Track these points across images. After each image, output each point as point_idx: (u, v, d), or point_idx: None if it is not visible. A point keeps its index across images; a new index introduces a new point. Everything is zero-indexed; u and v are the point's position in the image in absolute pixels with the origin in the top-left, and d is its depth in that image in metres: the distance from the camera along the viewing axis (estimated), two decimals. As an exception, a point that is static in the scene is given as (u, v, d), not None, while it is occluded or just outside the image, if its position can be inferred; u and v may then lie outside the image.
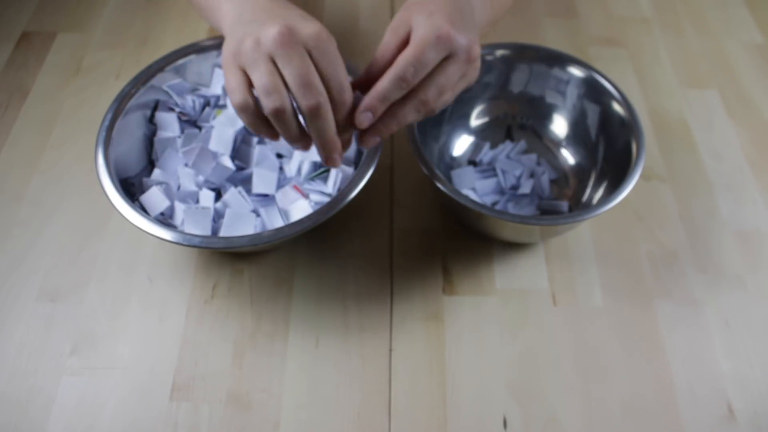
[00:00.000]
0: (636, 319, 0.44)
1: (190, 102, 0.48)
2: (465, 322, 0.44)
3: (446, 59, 0.33)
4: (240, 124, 0.47)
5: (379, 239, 0.48)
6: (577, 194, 0.49)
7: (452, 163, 0.52)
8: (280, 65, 0.31)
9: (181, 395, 0.40)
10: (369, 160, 0.42)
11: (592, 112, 0.48)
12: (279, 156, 0.48)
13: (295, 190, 0.45)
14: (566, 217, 0.41)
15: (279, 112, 0.32)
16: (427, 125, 0.47)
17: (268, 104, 0.32)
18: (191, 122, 0.49)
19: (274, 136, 0.35)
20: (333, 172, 0.44)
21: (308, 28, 0.32)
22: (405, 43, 0.34)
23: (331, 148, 0.34)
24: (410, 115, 0.34)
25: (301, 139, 0.35)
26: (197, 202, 0.45)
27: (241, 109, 0.33)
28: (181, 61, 0.47)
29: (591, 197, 0.47)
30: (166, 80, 0.47)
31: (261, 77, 0.31)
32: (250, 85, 0.33)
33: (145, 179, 0.45)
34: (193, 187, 0.45)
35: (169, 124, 0.47)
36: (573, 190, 0.49)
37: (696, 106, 0.58)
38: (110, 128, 0.43)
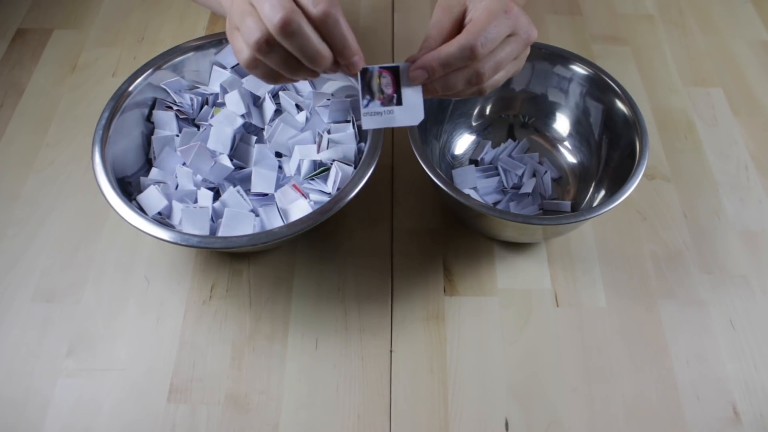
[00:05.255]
0: (640, 320, 0.44)
1: (188, 100, 0.48)
2: (466, 323, 0.43)
3: (508, 37, 0.33)
4: (239, 122, 0.47)
5: (380, 239, 0.47)
6: (579, 193, 0.48)
7: (453, 162, 0.51)
8: (257, 6, 0.31)
9: (178, 397, 0.40)
10: (369, 159, 0.41)
11: (595, 111, 0.48)
12: (278, 155, 0.47)
13: (294, 189, 0.44)
14: (569, 217, 0.40)
15: (286, 24, 0.30)
16: (429, 123, 0.47)
17: (274, 19, 0.30)
18: (189, 121, 0.48)
19: (298, 71, 0.33)
20: (333, 171, 0.44)
21: None
22: (459, 22, 0.34)
23: (353, 49, 0.32)
24: (460, 84, 0.34)
25: (322, 55, 0.31)
26: (195, 201, 0.44)
27: (253, 60, 0.32)
28: (178, 59, 0.47)
29: (594, 196, 0.47)
30: (164, 78, 0.47)
31: (262, 5, 0.30)
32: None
33: (142, 178, 0.44)
34: (191, 187, 0.44)
35: (166, 123, 0.47)
36: (575, 189, 0.49)
37: (700, 105, 0.57)
38: (107, 126, 0.42)
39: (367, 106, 0.34)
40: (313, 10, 0.30)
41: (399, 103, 0.34)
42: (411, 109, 0.34)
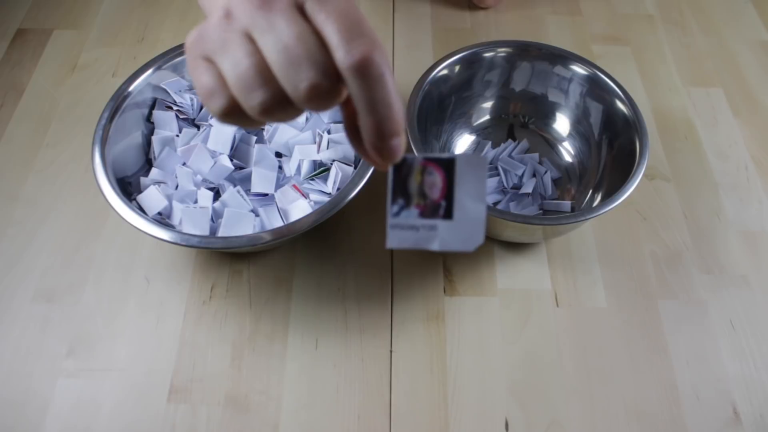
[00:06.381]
0: (640, 321, 0.44)
1: (188, 100, 0.48)
2: (466, 323, 0.43)
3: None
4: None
5: (380, 239, 0.47)
6: (579, 193, 0.48)
7: (453, 162, 0.51)
8: (257, 37, 0.21)
9: (178, 397, 0.40)
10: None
11: (595, 111, 0.48)
12: (278, 155, 0.47)
13: (294, 189, 0.44)
14: (569, 217, 0.40)
15: (268, 107, 0.21)
16: (429, 123, 0.47)
17: (252, 101, 0.21)
18: (189, 121, 0.48)
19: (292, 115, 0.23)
20: (333, 171, 0.44)
21: None
22: None
23: (396, 124, 0.21)
24: None
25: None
26: (195, 201, 0.44)
27: (227, 114, 0.22)
28: (178, 59, 0.47)
29: (594, 197, 0.47)
30: (164, 78, 0.47)
31: (235, 64, 0.21)
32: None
33: (142, 178, 0.44)
34: (191, 187, 0.44)
35: (166, 123, 0.47)
36: (575, 189, 0.49)
37: (701, 105, 0.57)
38: (107, 127, 0.42)
39: (397, 214, 0.23)
40: (346, 58, 0.20)
41: (448, 215, 0.23)
42: (465, 227, 0.23)
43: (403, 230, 0.23)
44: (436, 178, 0.23)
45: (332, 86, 0.21)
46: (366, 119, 0.21)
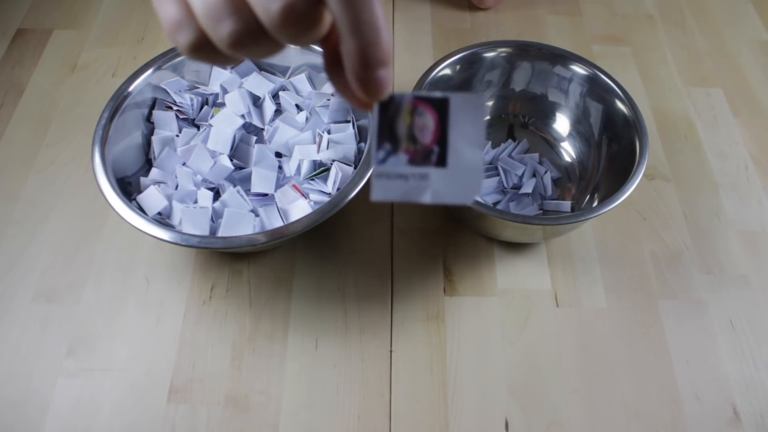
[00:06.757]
0: (640, 320, 0.44)
1: (188, 100, 0.48)
2: (466, 323, 0.43)
3: None
4: (239, 122, 0.47)
5: (380, 239, 0.47)
6: (579, 194, 0.48)
7: (453, 162, 0.51)
8: None
9: (178, 397, 0.40)
10: (369, 159, 0.41)
11: (595, 111, 0.48)
12: (278, 155, 0.47)
13: (294, 189, 0.44)
14: (569, 217, 0.40)
15: (239, 38, 0.19)
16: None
17: (222, 32, 0.19)
18: (189, 121, 0.48)
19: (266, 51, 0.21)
20: (333, 171, 0.44)
21: None
22: None
23: (383, 51, 0.19)
24: None
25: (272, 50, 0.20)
26: (195, 201, 0.44)
27: (196, 48, 0.20)
28: (178, 59, 0.47)
29: (594, 197, 0.47)
30: (164, 78, 0.47)
31: None
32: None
33: (142, 178, 0.44)
34: (191, 187, 0.44)
35: (166, 123, 0.47)
36: (575, 189, 0.49)
37: (701, 105, 0.57)
38: (107, 127, 0.42)
39: (383, 161, 0.20)
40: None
41: (441, 162, 0.20)
42: (461, 176, 0.20)
43: (390, 180, 0.20)
44: (428, 120, 0.20)
45: (309, 8, 0.18)
46: (349, 44, 0.19)
